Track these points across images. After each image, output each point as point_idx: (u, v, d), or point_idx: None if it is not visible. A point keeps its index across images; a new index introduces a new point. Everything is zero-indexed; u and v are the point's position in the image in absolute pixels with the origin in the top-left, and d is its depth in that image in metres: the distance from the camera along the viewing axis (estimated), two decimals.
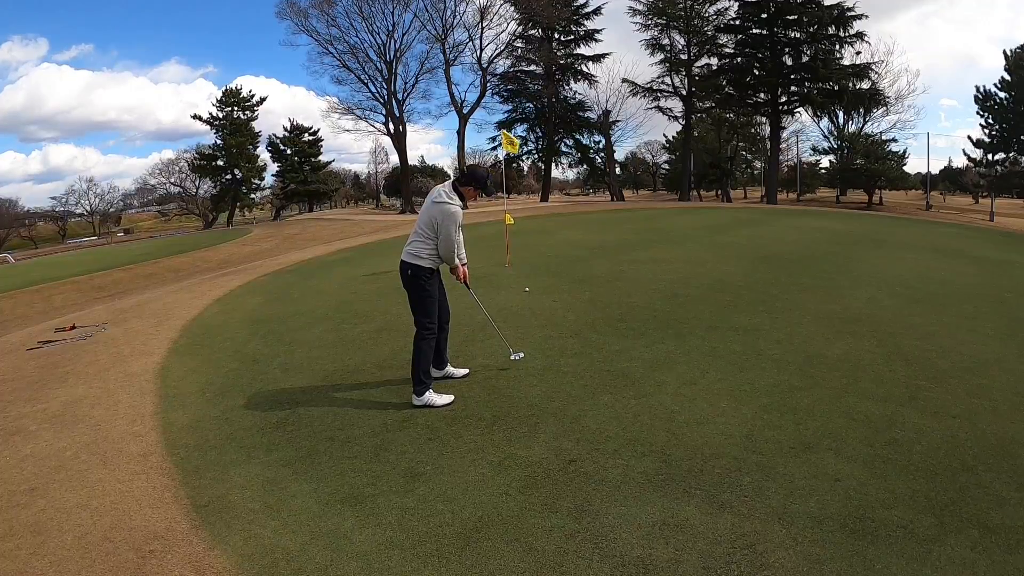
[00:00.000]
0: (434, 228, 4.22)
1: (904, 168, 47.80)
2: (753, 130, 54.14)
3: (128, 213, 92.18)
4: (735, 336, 5.60)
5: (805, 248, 11.30)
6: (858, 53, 37.56)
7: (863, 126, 47.10)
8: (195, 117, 59.92)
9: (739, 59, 40.16)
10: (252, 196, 66.69)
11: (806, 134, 65.68)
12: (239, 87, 61.49)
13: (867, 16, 36.02)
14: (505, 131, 39.61)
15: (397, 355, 5.41)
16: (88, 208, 77.99)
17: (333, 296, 8.68)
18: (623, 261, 10.00)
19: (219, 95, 61.08)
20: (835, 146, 48.23)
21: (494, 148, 47.11)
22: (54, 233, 76.91)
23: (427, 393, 4.23)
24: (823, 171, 57.38)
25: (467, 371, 4.86)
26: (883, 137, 45.25)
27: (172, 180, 70.42)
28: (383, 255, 13.44)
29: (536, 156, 48.73)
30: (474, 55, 41.68)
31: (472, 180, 4.31)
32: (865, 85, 38.29)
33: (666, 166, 70.79)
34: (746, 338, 5.53)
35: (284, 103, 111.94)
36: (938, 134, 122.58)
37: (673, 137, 61.56)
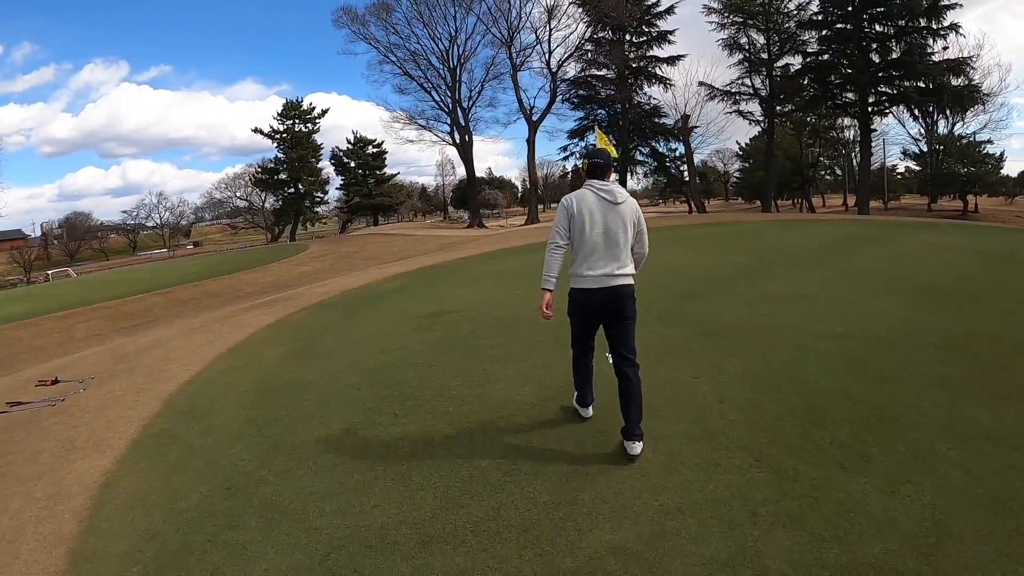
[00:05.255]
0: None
1: (1001, 171, 42.98)
2: (834, 134, 49.99)
3: (199, 226, 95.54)
4: (998, 456, 3.11)
5: (963, 276, 8.26)
6: (944, 48, 33.20)
7: (953, 126, 42.30)
8: (256, 131, 60.36)
9: (824, 56, 36.51)
10: (316, 210, 66.78)
11: (891, 137, 60.41)
12: (300, 100, 61.76)
13: (961, 5, 31.76)
14: (600, 131, 37.55)
15: (453, 503, 3.16)
16: (158, 221, 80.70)
17: (373, 351, 6.44)
18: (752, 297, 7.42)
19: (280, 108, 61.44)
20: (925, 149, 43.52)
21: (565, 158, 45.05)
22: (125, 245, 79.72)
23: None
24: (900, 176, 52.40)
25: None
26: (977, 138, 40.51)
27: (238, 194, 71.88)
28: (445, 283, 11.15)
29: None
30: (542, 59, 39.88)
31: (590, 172, 3.69)
32: (960, 82, 33.83)
33: (738, 174, 66.77)
34: (1016, 459, 3.06)
35: (355, 119, 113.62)
36: (1011, 134, 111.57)
37: (747, 144, 57.84)
